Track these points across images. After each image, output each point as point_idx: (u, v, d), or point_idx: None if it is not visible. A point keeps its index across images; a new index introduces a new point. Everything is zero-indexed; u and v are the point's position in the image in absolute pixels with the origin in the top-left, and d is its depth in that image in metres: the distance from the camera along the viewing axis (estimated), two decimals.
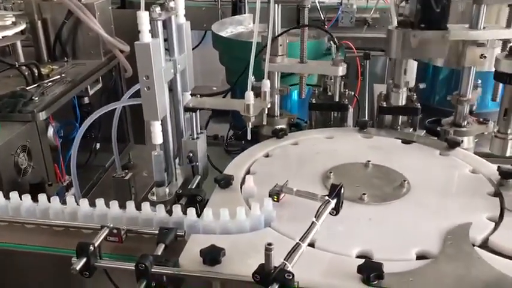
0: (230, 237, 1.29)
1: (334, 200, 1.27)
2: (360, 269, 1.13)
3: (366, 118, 2.36)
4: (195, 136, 1.71)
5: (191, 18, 1.64)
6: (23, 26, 2.35)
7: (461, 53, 1.92)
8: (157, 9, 1.43)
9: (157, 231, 1.30)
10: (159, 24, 1.47)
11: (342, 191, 1.29)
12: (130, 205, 1.39)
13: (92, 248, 1.19)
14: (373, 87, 2.52)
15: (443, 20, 1.79)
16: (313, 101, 2.11)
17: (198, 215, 1.34)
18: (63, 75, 2.26)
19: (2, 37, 2.24)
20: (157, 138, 1.53)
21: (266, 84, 1.75)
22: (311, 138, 1.90)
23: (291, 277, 1.03)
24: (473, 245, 1.25)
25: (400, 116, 2.04)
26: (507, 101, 1.74)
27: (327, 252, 1.23)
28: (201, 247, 1.20)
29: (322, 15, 3.23)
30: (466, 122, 2.03)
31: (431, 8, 1.75)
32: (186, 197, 1.51)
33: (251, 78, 1.68)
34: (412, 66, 2.47)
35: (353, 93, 2.22)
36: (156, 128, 1.52)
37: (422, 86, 2.26)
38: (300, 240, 1.12)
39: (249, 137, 1.78)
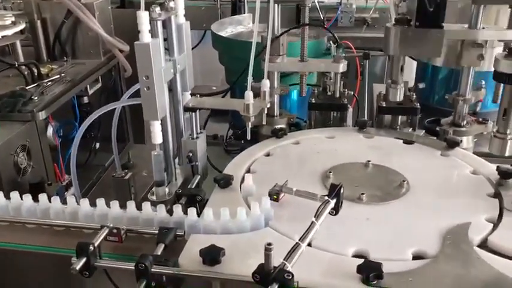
0: (230, 237, 1.29)
1: (334, 200, 1.27)
2: (360, 269, 1.13)
3: (366, 118, 2.37)
4: (195, 136, 1.71)
5: (190, 18, 1.64)
6: (22, 26, 2.35)
7: (459, 53, 1.92)
8: (157, 9, 1.43)
9: (157, 231, 1.30)
10: (159, 24, 1.47)
11: (342, 191, 1.29)
12: (131, 205, 1.39)
13: (91, 247, 1.20)
14: (372, 87, 2.52)
15: (439, 19, 1.80)
16: (313, 100, 2.11)
17: (198, 214, 1.35)
18: (62, 74, 2.26)
19: (2, 37, 2.24)
20: (157, 138, 1.53)
21: (266, 84, 1.75)
22: (312, 138, 1.90)
23: (290, 277, 1.04)
24: None
25: (400, 116, 2.05)
26: (506, 101, 1.75)
27: (324, 252, 1.23)
28: (200, 247, 1.20)
29: (321, 15, 3.23)
30: (465, 122, 2.03)
31: (427, 7, 1.76)
32: (185, 197, 1.51)
33: (251, 78, 1.68)
34: (411, 66, 2.48)
35: (352, 93, 2.22)
36: (156, 128, 1.52)
37: (421, 85, 2.26)
38: (299, 240, 1.12)
39: (248, 137, 1.78)
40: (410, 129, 2.02)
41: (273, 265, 1.05)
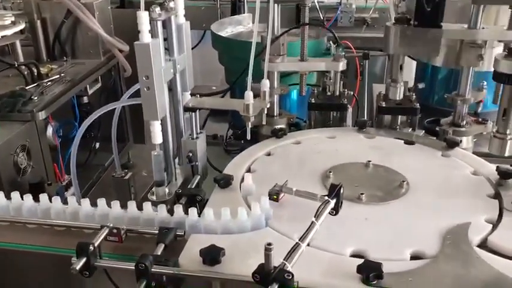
0: (230, 237, 1.29)
1: (334, 200, 1.27)
2: (360, 269, 1.13)
3: (365, 118, 2.37)
4: (195, 136, 1.71)
5: (190, 18, 1.64)
6: (22, 26, 2.35)
7: (459, 53, 1.93)
8: (157, 9, 1.43)
9: (157, 231, 1.30)
10: (159, 24, 1.47)
11: (342, 191, 1.29)
12: (132, 205, 1.39)
13: (91, 247, 1.20)
14: (372, 87, 2.52)
15: (437, 19, 1.80)
16: (313, 100, 2.11)
17: (198, 214, 1.35)
18: (62, 74, 2.26)
19: (1, 36, 2.24)
20: (157, 138, 1.53)
21: (265, 84, 1.75)
22: (312, 138, 1.90)
23: (290, 277, 1.04)
24: None
25: (399, 116, 2.05)
26: (506, 101, 1.75)
27: (322, 251, 1.23)
28: (200, 247, 1.20)
29: (321, 15, 3.23)
30: (465, 122, 2.03)
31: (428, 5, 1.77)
32: (185, 197, 1.51)
33: (251, 78, 1.68)
34: (411, 66, 2.48)
35: (352, 93, 2.22)
36: (156, 128, 1.52)
37: (421, 85, 2.26)
38: (299, 240, 1.12)
39: (248, 137, 1.78)
40: (410, 130, 2.02)
41: (273, 265, 1.05)
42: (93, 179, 2.41)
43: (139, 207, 1.39)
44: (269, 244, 1.05)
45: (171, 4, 1.50)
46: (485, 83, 2.02)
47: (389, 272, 1.13)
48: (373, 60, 2.92)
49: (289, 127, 2.11)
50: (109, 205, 1.41)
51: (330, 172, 1.60)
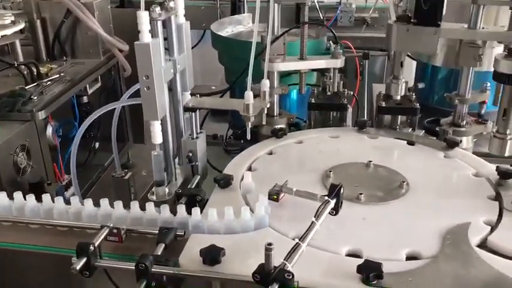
0: (230, 236, 1.29)
1: (334, 200, 1.27)
2: (360, 269, 1.13)
3: (365, 118, 2.37)
4: (195, 136, 1.71)
5: (190, 18, 1.64)
6: (21, 25, 2.35)
7: (458, 53, 1.93)
8: (157, 9, 1.43)
9: (157, 231, 1.30)
10: (159, 24, 1.47)
11: (342, 191, 1.29)
12: (135, 205, 1.39)
13: (92, 247, 1.20)
14: (372, 87, 2.52)
15: (435, 18, 1.81)
16: (313, 100, 2.11)
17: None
18: (62, 74, 2.27)
19: (1, 36, 2.24)
20: (157, 137, 1.53)
21: (265, 84, 1.75)
22: (314, 138, 1.90)
23: (290, 277, 1.04)
24: None
25: (399, 116, 2.05)
26: (506, 101, 1.75)
27: (318, 250, 1.23)
28: (201, 247, 1.20)
29: (321, 15, 3.23)
30: (464, 122, 2.03)
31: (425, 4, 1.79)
32: (185, 197, 1.51)
33: (250, 78, 1.68)
34: (411, 66, 2.48)
35: (352, 92, 2.22)
36: (156, 128, 1.52)
37: (421, 85, 2.26)
38: (299, 240, 1.12)
39: (248, 137, 1.78)
40: (410, 129, 2.02)
41: (273, 265, 1.05)
42: (93, 179, 2.41)
43: (142, 208, 1.39)
44: (269, 244, 1.05)
45: (171, 4, 1.50)
46: (488, 84, 2.02)
47: (385, 272, 1.13)
48: (373, 60, 2.93)
49: (289, 127, 2.11)
50: (112, 205, 1.41)
51: (330, 172, 1.60)
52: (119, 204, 1.40)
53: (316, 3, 3.18)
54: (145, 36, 1.38)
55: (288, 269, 1.05)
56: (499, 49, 1.94)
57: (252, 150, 1.80)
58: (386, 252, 1.24)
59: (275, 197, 1.41)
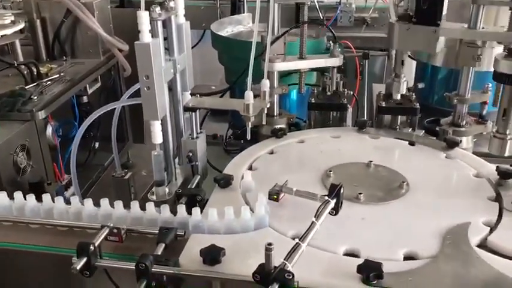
0: (230, 236, 1.29)
1: (334, 200, 1.28)
2: (360, 269, 1.13)
3: (365, 118, 2.37)
4: (195, 136, 1.71)
5: (190, 18, 1.64)
6: (21, 25, 2.35)
7: (457, 53, 1.93)
8: (157, 9, 1.43)
9: (157, 231, 1.30)
10: (159, 24, 1.47)
11: (342, 191, 1.29)
12: (135, 205, 1.39)
13: (92, 247, 1.20)
14: (371, 87, 2.52)
15: (434, 17, 1.82)
16: (313, 100, 2.11)
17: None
18: (62, 74, 2.26)
19: (1, 36, 2.24)
20: (157, 137, 1.53)
21: (265, 84, 1.75)
22: (316, 137, 1.91)
23: (291, 277, 1.04)
24: None
25: (399, 116, 2.05)
26: (506, 101, 1.75)
27: (316, 249, 1.23)
28: (201, 247, 1.20)
29: (321, 15, 3.23)
30: (464, 122, 2.04)
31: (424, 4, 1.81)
32: (186, 197, 1.51)
33: (251, 78, 1.68)
34: (411, 66, 2.48)
35: (352, 92, 2.22)
36: (156, 128, 1.52)
37: (421, 85, 2.26)
38: (299, 240, 1.12)
39: (248, 137, 1.79)
40: (410, 130, 2.02)
41: (274, 265, 1.05)
42: (93, 179, 2.41)
43: (142, 207, 1.39)
44: (269, 244, 1.05)
45: (171, 4, 1.50)
46: (490, 84, 2.02)
47: (392, 271, 1.14)
48: (372, 60, 2.92)
49: (289, 127, 2.11)
50: (112, 205, 1.41)
51: (331, 171, 1.60)
52: (119, 204, 1.40)
53: (316, 3, 3.18)
54: (146, 36, 1.38)
55: (288, 269, 1.05)
56: (499, 49, 1.93)
57: (252, 150, 1.80)
58: (383, 252, 1.24)
59: (275, 197, 1.41)
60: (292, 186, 1.41)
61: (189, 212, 1.34)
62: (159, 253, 1.23)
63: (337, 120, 2.15)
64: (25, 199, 1.46)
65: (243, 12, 3.21)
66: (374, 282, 1.12)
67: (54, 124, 2.12)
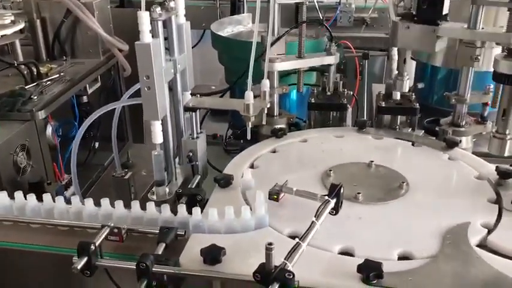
0: (230, 236, 1.29)
1: (334, 200, 1.28)
2: (360, 268, 1.14)
3: (365, 118, 2.37)
4: (195, 135, 1.71)
5: (190, 18, 1.65)
6: (21, 25, 2.35)
7: (456, 53, 1.93)
8: (158, 9, 1.43)
9: (158, 231, 1.30)
10: (160, 24, 1.48)
11: (342, 190, 1.30)
12: (135, 205, 1.39)
13: (92, 247, 1.20)
14: (371, 87, 2.53)
15: (434, 16, 1.83)
16: (312, 100, 2.11)
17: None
18: (61, 74, 2.26)
19: (1, 36, 2.24)
20: (158, 137, 1.53)
21: (265, 84, 1.75)
22: (318, 137, 1.91)
23: (291, 276, 1.04)
24: None
25: (399, 116, 2.05)
26: (505, 101, 1.75)
27: (317, 249, 1.23)
28: (201, 246, 1.21)
29: (320, 15, 3.23)
30: (464, 122, 2.04)
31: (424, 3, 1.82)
32: (186, 197, 1.51)
33: (251, 78, 1.68)
34: (411, 66, 2.49)
35: (352, 92, 2.22)
36: (156, 128, 1.52)
37: (420, 85, 2.27)
38: (300, 239, 1.12)
39: (248, 137, 1.79)
40: (410, 130, 2.03)
41: (274, 264, 1.06)
42: (93, 179, 2.41)
43: (142, 207, 1.39)
44: (270, 244, 1.05)
45: (172, 4, 1.50)
46: (491, 86, 2.02)
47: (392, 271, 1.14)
48: (372, 60, 2.93)
49: (289, 127, 2.12)
50: (112, 205, 1.41)
51: (331, 171, 1.60)
52: (119, 203, 1.40)
53: (316, 3, 3.18)
54: (146, 36, 1.38)
55: (288, 269, 1.05)
56: (498, 49, 1.94)
57: (252, 150, 1.81)
58: (378, 251, 1.24)
59: (275, 196, 1.41)
60: (293, 185, 1.42)
61: (190, 212, 1.34)
62: (160, 253, 1.24)
63: (337, 120, 2.15)
64: (26, 199, 1.46)
65: (243, 12, 3.21)
66: (374, 281, 1.12)
67: (54, 124, 2.12)
